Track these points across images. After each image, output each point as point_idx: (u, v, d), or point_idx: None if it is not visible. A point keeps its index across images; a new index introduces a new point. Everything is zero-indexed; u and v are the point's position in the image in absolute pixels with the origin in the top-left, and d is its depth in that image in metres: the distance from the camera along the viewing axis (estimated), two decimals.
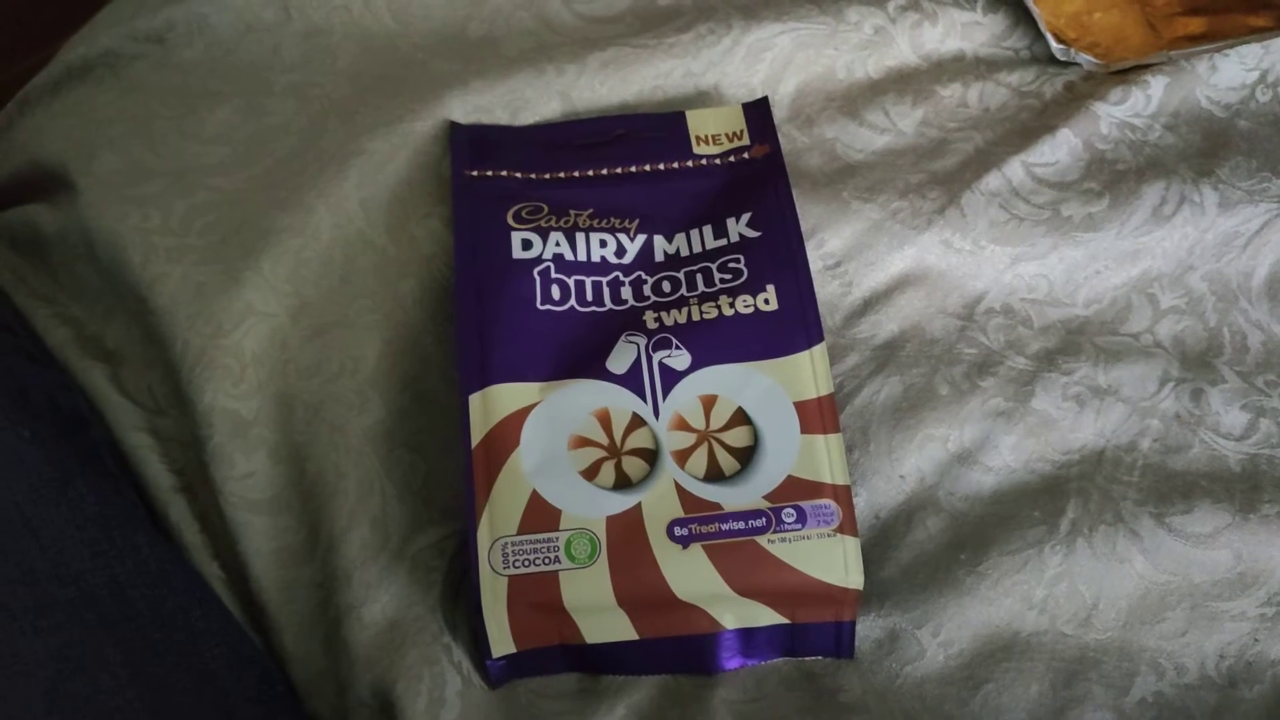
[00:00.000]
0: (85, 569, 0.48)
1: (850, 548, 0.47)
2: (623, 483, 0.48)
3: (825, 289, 0.56)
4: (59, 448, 0.51)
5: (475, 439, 0.49)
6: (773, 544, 0.47)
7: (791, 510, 0.48)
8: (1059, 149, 0.60)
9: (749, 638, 0.49)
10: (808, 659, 0.49)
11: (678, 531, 0.47)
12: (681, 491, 0.48)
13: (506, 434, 0.49)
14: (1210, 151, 0.60)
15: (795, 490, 0.48)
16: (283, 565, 0.52)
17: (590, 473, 0.49)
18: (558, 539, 0.47)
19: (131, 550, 0.50)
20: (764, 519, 0.48)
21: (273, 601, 0.52)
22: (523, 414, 0.50)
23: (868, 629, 0.50)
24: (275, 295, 0.55)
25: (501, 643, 0.47)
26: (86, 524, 0.49)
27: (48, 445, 0.51)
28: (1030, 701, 0.48)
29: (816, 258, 0.57)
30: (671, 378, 0.50)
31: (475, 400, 0.50)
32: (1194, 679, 0.49)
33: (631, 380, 0.50)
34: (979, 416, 0.53)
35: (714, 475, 0.49)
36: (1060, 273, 0.57)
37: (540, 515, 0.48)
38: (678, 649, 0.48)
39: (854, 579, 0.47)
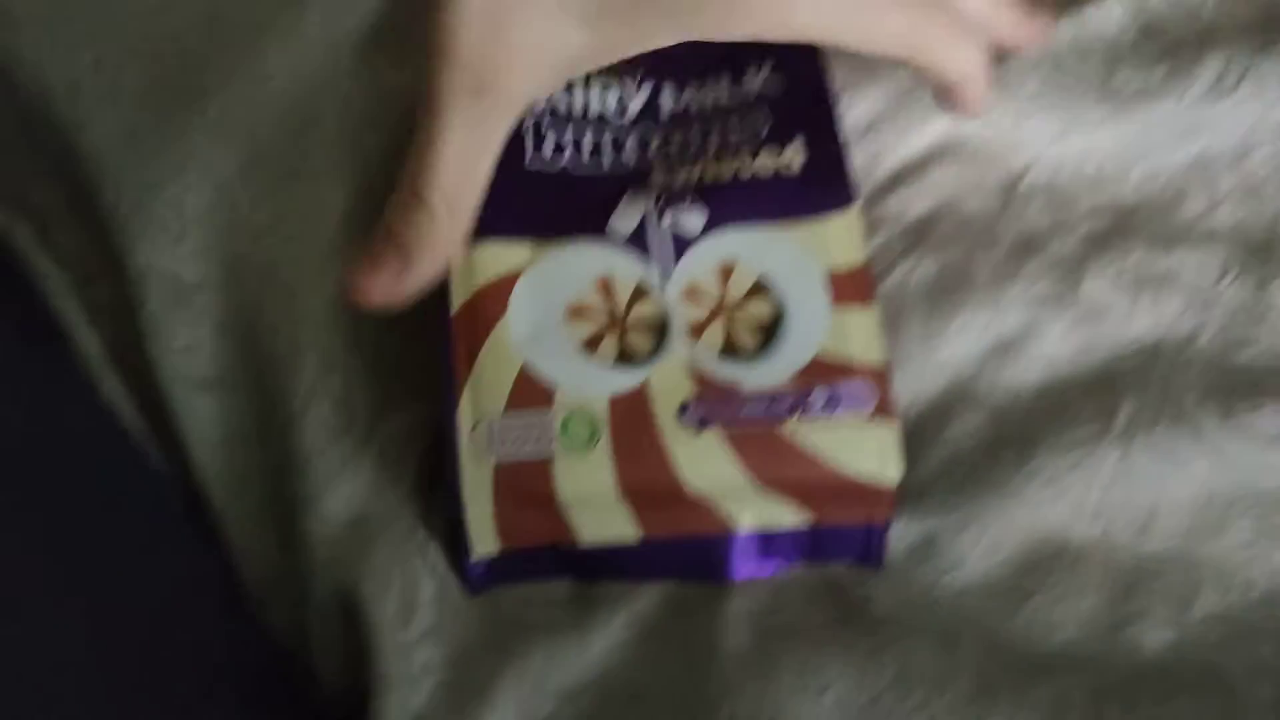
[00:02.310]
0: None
1: (887, 436, 0.42)
2: (626, 358, 0.42)
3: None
4: None
5: (455, 305, 0.43)
6: (798, 431, 0.41)
7: (820, 392, 0.42)
8: (1109, 16, 0.54)
9: (766, 541, 0.43)
10: (832, 567, 0.44)
11: (690, 414, 0.41)
12: (694, 370, 0.42)
13: (492, 300, 0.43)
14: (1270, 25, 0.54)
15: (824, 370, 0.42)
16: (231, 452, 0.47)
17: (589, 346, 0.42)
18: (552, 419, 0.41)
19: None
20: (788, 402, 0.42)
21: (219, 495, 0.46)
22: (511, 279, 0.43)
23: (900, 534, 0.44)
24: (223, 144, 0.49)
25: (484, 540, 0.41)
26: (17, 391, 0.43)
27: None
28: (1083, 616, 0.43)
29: None
30: (683, 242, 0.44)
31: (455, 261, 0.43)
32: (1262, 594, 0.44)
33: (637, 244, 0.44)
34: (1022, 303, 0.48)
35: (731, 352, 0.43)
36: (1110, 149, 0.52)
37: (531, 392, 0.41)
38: (685, 552, 0.43)
39: (890, 472, 0.42)
